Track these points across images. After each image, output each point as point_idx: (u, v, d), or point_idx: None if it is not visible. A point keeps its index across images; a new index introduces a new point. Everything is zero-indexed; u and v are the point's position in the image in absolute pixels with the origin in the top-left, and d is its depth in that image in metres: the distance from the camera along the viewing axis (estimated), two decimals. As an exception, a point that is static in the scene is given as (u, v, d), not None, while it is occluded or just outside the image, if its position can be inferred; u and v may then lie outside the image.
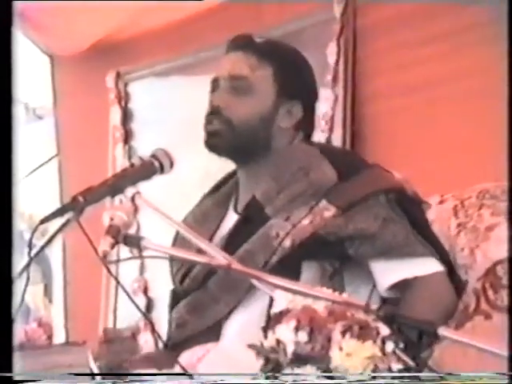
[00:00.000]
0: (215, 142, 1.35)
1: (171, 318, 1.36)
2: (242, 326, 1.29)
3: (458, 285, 1.29)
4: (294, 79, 1.36)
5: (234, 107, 1.33)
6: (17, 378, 1.00)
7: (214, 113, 1.35)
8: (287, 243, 1.27)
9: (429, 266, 1.27)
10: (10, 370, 1.02)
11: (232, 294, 1.29)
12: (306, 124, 1.39)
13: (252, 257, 1.25)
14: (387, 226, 1.27)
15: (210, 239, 1.35)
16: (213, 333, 1.29)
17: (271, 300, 1.22)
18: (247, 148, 1.34)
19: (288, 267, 1.24)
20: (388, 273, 1.28)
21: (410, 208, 1.32)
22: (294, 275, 1.18)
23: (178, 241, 1.39)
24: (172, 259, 1.38)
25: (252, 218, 1.33)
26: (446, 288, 1.28)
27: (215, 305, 1.30)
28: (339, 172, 1.30)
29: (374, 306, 1.01)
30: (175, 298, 1.38)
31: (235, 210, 1.39)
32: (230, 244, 1.31)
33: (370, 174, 1.33)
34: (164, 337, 1.35)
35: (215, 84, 1.37)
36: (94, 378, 1.11)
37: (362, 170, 1.32)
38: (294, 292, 1.04)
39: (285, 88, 1.35)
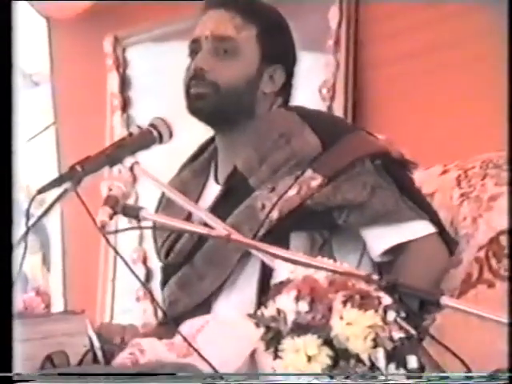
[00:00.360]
0: (200, 106, 1.30)
1: (163, 297, 1.35)
2: (232, 300, 1.28)
3: (449, 244, 1.29)
4: (277, 42, 1.32)
5: (219, 70, 1.29)
6: (16, 378, 1.00)
7: (197, 76, 1.29)
8: (274, 215, 1.26)
9: (420, 228, 1.27)
10: (9, 370, 1.02)
11: (218, 271, 1.28)
12: (286, 89, 1.35)
13: (238, 230, 1.22)
14: (376, 194, 1.25)
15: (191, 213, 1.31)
16: (203, 308, 1.28)
17: (262, 272, 1.23)
18: (231, 114, 1.30)
19: (276, 239, 1.21)
20: (380, 239, 1.27)
21: (397, 172, 1.30)
22: (283, 247, 1.17)
23: (161, 209, 1.36)
24: (155, 232, 1.36)
25: (235, 190, 1.30)
26: (439, 248, 1.28)
27: (203, 281, 1.29)
28: (322, 139, 1.28)
29: (376, 276, 1.01)
30: (165, 275, 1.37)
31: (216, 179, 1.37)
32: (215, 216, 1.27)
33: (354, 139, 1.30)
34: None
35: (196, 45, 1.32)
36: (94, 377, 1.10)
37: (345, 135, 1.30)
38: (295, 262, 1.03)
39: (268, 51, 1.31)
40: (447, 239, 1.29)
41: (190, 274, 1.31)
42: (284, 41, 1.34)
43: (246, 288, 1.27)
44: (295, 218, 1.26)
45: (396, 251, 1.27)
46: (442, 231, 1.29)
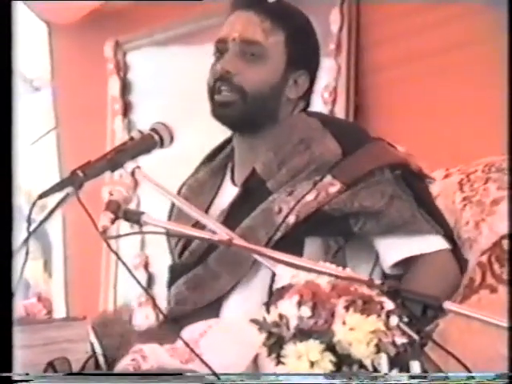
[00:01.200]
0: (226, 113, 1.29)
1: (170, 295, 1.35)
2: (243, 303, 1.28)
3: (461, 262, 1.28)
4: (303, 47, 1.32)
5: (246, 74, 1.28)
6: (16, 377, 1.00)
7: (223, 78, 1.28)
8: (291, 219, 1.25)
9: (434, 243, 1.26)
10: (9, 370, 1.01)
11: (233, 272, 1.28)
12: (308, 94, 1.35)
13: (254, 232, 1.24)
14: (393, 204, 1.25)
15: (207, 209, 1.32)
16: (212, 310, 1.28)
17: (273, 277, 1.22)
18: (256, 120, 1.30)
19: (291, 243, 1.22)
20: (393, 250, 1.27)
21: (415, 184, 1.30)
22: (297, 251, 1.16)
23: (174, 214, 1.36)
24: (163, 234, 1.36)
25: (252, 192, 1.30)
26: (451, 265, 1.27)
27: (215, 282, 1.29)
28: (343, 146, 1.28)
29: (378, 281, 1.01)
30: (174, 275, 1.36)
31: (232, 181, 1.36)
32: (231, 218, 1.29)
33: (374, 148, 1.30)
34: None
35: (222, 46, 1.30)
36: (94, 378, 1.10)
37: (365, 144, 1.30)
38: (297, 267, 1.03)
39: (295, 56, 1.31)
40: (459, 257, 1.28)
41: (202, 273, 1.31)
42: (309, 46, 1.34)
43: (256, 291, 1.27)
44: (311, 222, 1.26)
45: (407, 264, 1.26)
46: (454, 248, 1.29)
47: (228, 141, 1.39)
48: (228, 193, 1.34)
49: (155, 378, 1.01)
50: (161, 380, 1.00)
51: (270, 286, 1.25)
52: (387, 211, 1.24)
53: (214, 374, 0.98)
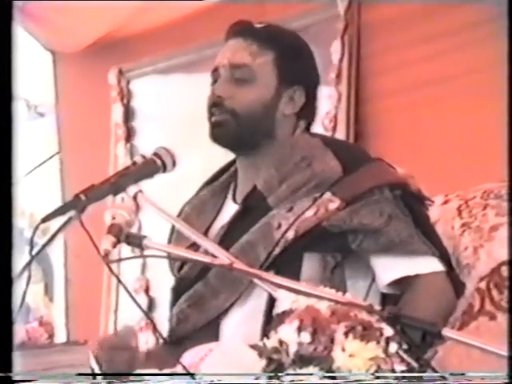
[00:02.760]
0: (219, 133, 1.33)
1: (172, 315, 1.35)
2: (240, 323, 1.28)
3: (457, 286, 1.29)
4: (295, 64, 1.34)
5: (237, 97, 1.31)
6: (16, 377, 1.00)
7: (216, 104, 1.32)
8: (290, 235, 1.26)
9: (430, 264, 1.27)
10: (9, 370, 1.02)
11: (232, 288, 1.28)
12: (308, 111, 1.37)
13: (253, 248, 1.24)
14: (392, 223, 1.26)
15: (208, 228, 1.33)
16: (211, 330, 1.28)
17: (270, 296, 1.22)
18: (251, 138, 1.32)
19: (290, 258, 1.23)
20: (389, 269, 1.27)
21: (413, 205, 1.31)
22: (296, 266, 1.16)
23: (174, 237, 1.37)
24: (164, 258, 1.37)
25: (253, 209, 1.31)
26: (446, 287, 1.27)
27: (215, 299, 1.29)
28: (343, 164, 1.29)
29: (378, 307, 1.01)
30: (176, 295, 1.37)
31: (234, 199, 1.38)
32: (230, 234, 1.30)
33: (375, 167, 1.31)
34: (165, 336, 1.34)
35: (216, 74, 1.35)
36: (94, 378, 1.10)
37: (366, 163, 1.31)
38: (297, 292, 1.03)
39: (286, 73, 1.33)
40: (455, 280, 1.29)
41: (203, 290, 1.31)
42: (303, 62, 1.36)
43: (254, 307, 1.27)
44: (310, 238, 1.26)
45: (403, 285, 1.27)
46: (451, 271, 1.29)
47: (232, 163, 1.42)
48: (229, 211, 1.36)
49: (155, 378, 1.00)
50: (160, 380, 0.99)
51: (268, 305, 1.25)
52: (385, 230, 1.25)
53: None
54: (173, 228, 1.39)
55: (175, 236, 1.38)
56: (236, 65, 1.32)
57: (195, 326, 1.30)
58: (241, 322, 1.28)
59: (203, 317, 1.30)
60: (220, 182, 1.41)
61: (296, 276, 1.24)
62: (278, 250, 1.26)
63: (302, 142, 1.34)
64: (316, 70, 1.38)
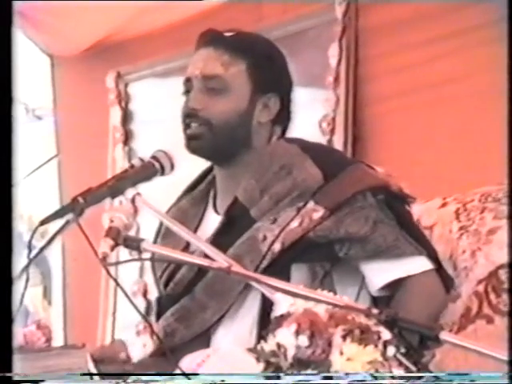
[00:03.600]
0: (196, 145, 1.33)
1: (159, 327, 1.34)
2: (232, 335, 1.28)
3: (446, 281, 1.29)
4: (268, 71, 1.34)
5: (211, 108, 1.31)
6: (16, 378, 1.00)
7: (191, 115, 1.32)
8: (277, 247, 1.26)
9: (419, 264, 1.27)
10: (9, 370, 1.01)
11: (220, 301, 1.28)
12: (284, 116, 1.36)
13: (240, 261, 1.23)
14: (377, 228, 1.26)
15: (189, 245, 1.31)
16: (202, 342, 1.27)
17: (263, 303, 1.22)
18: (228, 148, 1.32)
19: (277, 271, 1.22)
20: (380, 273, 1.28)
21: (396, 207, 1.31)
22: (284, 279, 1.16)
23: (160, 239, 1.36)
24: (153, 262, 1.37)
25: (236, 221, 1.31)
26: (437, 285, 1.28)
27: (203, 313, 1.29)
28: (323, 171, 1.29)
29: (375, 310, 1.01)
30: (161, 307, 1.37)
31: (215, 209, 1.37)
32: (215, 247, 1.27)
33: (355, 171, 1.31)
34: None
35: (188, 84, 1.35)
36: (92, 378, 1.10)
37: (345, 168, 1.31)
38: (295, 295, 1.03)
39: (260, 82, 1.33)
40: (444, 276, 1.29)
41: (190, 305, 1.31)
42: (276, 69, 1.35)
43: (245, 320, 1.27)
44: (297, 249, 1.26)
45: (394, 286, 1.28)
46: (439, 268, 1.29)
47: (209, 170, 1.41)
48: (211, 221, 1.35)
49: (155, 379, 1.00)
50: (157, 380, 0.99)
51: (260, 314, 1.25)
52: (372, 236, 1.25)
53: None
54: (158, 231, 1.38)
55: (161, 240, 1.37)
56: (208, 76, 1.32)
57: (183, 339, 1.29)
58: (232, 331, 1.28)
59: (190, 331, 1.29)
60: (199, 191, 1.41)
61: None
62: (265, 263, 1.26)
63: (279, 149, 1.34)
64: (289, 75, 1.38)
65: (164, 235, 1.37)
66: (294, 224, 1.26)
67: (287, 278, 1.24)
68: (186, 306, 1.31)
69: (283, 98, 1.35)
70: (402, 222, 1.29)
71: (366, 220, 1.26)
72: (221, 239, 1.30)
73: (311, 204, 1.27)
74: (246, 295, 1.27)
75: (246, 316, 1.27)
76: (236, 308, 1.28)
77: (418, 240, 1.29)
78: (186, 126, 1.33)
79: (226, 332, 1.29)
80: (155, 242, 1.38)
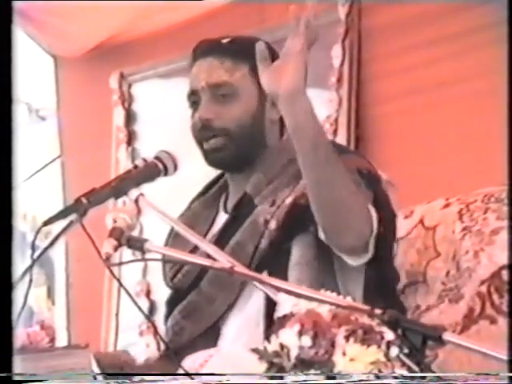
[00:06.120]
0: (217, 158, 1.33)
1: (167, 329, 1.35)
2: (240, 327, 1.28)
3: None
4: None
5: (225, 115, 1.32)
6: (16, 378, 1.00)
7: (205, 127, 1.32)
8: (272, 224, 1.28)
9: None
10: (9, 370, 1.02)
11: (227, 292, 1.29)
12: None
13: (243, 247, 1.25)
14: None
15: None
16: (211, 336, 1.28)
17: (268, 299, 1.23)
18: (248, 153, 1.34)
19: (278, 249, 1.24)
20: None
21: (375, 185, 1.30)
22: (285, 256, 1.16)
23: (171, 241, 1.38)
24: (166, 261, 1.37)
25: (243, 215, 1.33)
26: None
27: (211, 305, 1.30)
28: None
29: (378, 311, 1.01)
30: (170, 307, 1.37)
31: (225, 209, 1.39)
32: (220, 240, 1.30)
33: (350, 156, 1.33)
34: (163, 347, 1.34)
35: (195, 97, 1.35)
36: (95, 378, 1.11)
37: (342, 154, 1.31)
38: (298, 296, 1.03)
39: None
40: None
41: (197, 299, 1.32)
42: None
43: (254, 306, 1.27)
44: (292, 221, 1.27)
45: None
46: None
47: (221, 175, 1.43)
48: (221, 221, 1.37)
49: (155, 379, 1.01)
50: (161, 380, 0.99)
51: (267, 309, 1.25)
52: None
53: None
54: (170, 233, 1.40)
55: (171, 241, 1.38)
56: (215, 84, 1.33)
57: (191, 335, 1.30)
58: (242, 326, 1.28)
59: (200, 326, 1.30)
60: (211, 194, 1.42)
61: (286, 261, 1.25)
62: (264, 243, 1.27)
63: (288, 145, 1.33)
64: None
65: (175, 236, 1.37)
66: (289, 200, 1.28)
67: (288, 256, 1.25)
68: (194, 302, 1.32)
69: None
70: (376, 199, 1.28)
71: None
72: (227, 231, 1.31)
73: (304, 181, 1.27)
74: (251, 286, 1.27)
75: (256, 308, 1.27)
76: (245, 298, 1.28)
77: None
78: (203, 140, 1.33)
79: (235, 324, 1.29)
80: (167, 242, 1.39)
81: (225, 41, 1.36)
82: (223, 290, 1.29)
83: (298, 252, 1.27)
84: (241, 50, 1.34)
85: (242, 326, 1.28)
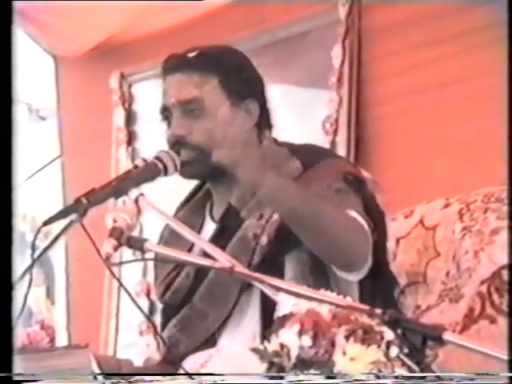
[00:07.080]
0: (190, 171, 1.33)
1: (164, 337, 1.36)
2: (237, 337, 1.29)
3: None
4: (241, 79, 1.34)
5: (197, 130, 1.32)
6: (16, 378, 1.00)
7: (179, 143, 1.32)
8: (264, 240, 1.28)
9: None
10: (9, 370, 1.02)
11: (219, 308, 1.29)
12: (266, 119, 1.37)
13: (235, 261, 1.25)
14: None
15: (190, 249, 1.33)
16: (207, 348, 1.28)
17: (263, 308, 1.23)
18: (224, 164, 1.31)
19: (270, 265, 1.24)
20: None
21: (363, 190, 1.31)
22: (278, 272, 1.17)
23: (163, 243, 1.38)
24: (157, 269, 1.38)
25: (230, 227, 1.33)
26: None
27: (204, 321, 1.30)
28: (304, 163, 1.32)
29: (378, 311, 1.01)
30: (165, 317, 1.38)
31: (211, 217, 1.39)
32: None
33: (333, 161, 1.35)
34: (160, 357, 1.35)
35: (166, 113, 1.36)
36: (95, 378, 1.11)
37: (325, 159, 1.34)
38: (298, 295, 1.03)
39: (235, 91, 1.34)
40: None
41: (190, 314, 1.32)
42: (247, 75, 1.36)
43: (249, 321, 1.28)
44: (282, 236, 1.27)
45: None
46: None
47: (203, 182, 1.42)
48: (209, 230, 1.37)
49: (155, 379, 1.01)
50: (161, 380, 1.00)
51: (262, 314, 1.26)
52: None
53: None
54: (163, 233, 1.39)
55: (166, 241, 1.37)
56: (185, 101, 1.33)
57: (187, 349, 1.30)
58: (236, 336, 1.29)
59: (194, 340, 1.30)
60: (195, 202, 1.42)
61: (280, 278, 1.23)
62: (256, 259, 1.27)
63: (269, 153, 1.35)
64: (260, 78, 1.38)
65: (167, 240, 1.37)
66: (277, 215, 1.28)
67: (281, 271, 1.25)
68: (187, 316, 1.32)
69: (260, 100, 1.36)
70: (365, 203, 1.29)
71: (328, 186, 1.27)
72: (217, 245, 1.28)
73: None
74: (245, 299, 1.28)
75: (249, 317, 1.28)
76: (238, 313, 1.29)
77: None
78: (176, 154, 1.32)
79: (230, 336, 1.29)
80: (161, 241, 1.39)
81: (191, 55, 1.36)
82: (216, 306, 1.29)
83: (292, 268, 1.27)
84: (208, 63, 1.34)
85: (237, 339, 1.28)
